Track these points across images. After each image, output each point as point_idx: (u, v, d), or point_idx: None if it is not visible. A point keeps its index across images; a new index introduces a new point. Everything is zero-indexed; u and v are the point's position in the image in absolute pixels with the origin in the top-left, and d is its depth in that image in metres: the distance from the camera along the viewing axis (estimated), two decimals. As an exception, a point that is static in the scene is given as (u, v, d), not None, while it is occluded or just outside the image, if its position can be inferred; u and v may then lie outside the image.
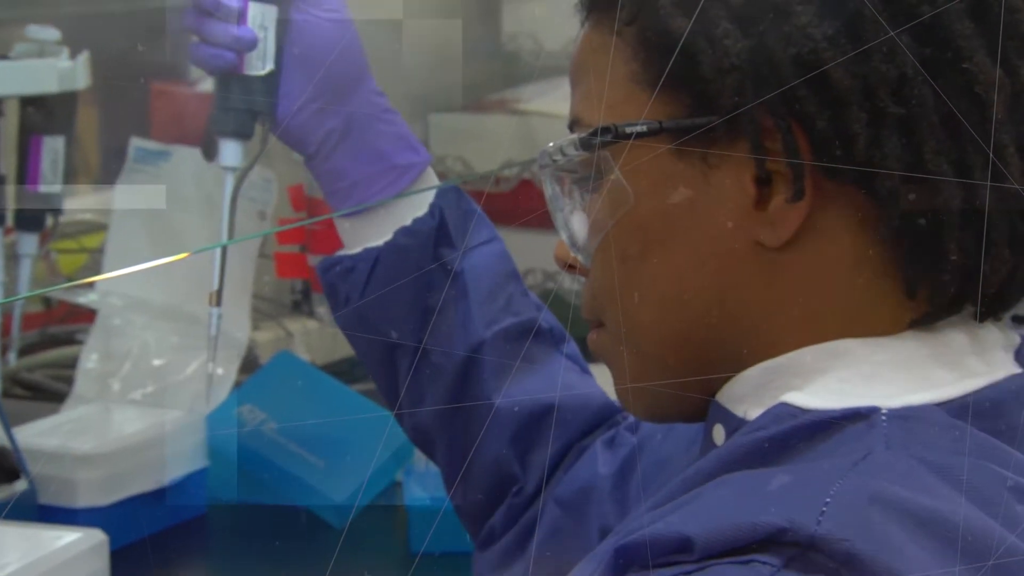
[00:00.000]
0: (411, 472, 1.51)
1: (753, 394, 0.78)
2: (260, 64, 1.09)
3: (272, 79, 1.09)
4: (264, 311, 1.84)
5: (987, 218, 0.74)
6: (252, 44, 1.08)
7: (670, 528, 0.69)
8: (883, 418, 0.73)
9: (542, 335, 1.10)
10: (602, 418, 1.09)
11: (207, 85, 1.96)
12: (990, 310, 0.78)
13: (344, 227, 1.12)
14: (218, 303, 1.11)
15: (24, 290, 1.42)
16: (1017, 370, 0.78)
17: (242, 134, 1.11)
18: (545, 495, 1.07)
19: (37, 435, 1.46)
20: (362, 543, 1.49)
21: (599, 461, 1.05)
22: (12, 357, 1.46)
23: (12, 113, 1.40)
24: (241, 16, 1.08)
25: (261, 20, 1.09)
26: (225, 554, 1.52)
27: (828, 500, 0.68)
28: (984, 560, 0.68)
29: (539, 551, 1.05)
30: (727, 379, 0.80)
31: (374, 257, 1.09)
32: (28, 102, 1.40)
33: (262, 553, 1.46)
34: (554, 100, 1.86)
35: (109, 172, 1.77)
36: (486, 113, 2.09)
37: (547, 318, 1.11)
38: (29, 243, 1.42)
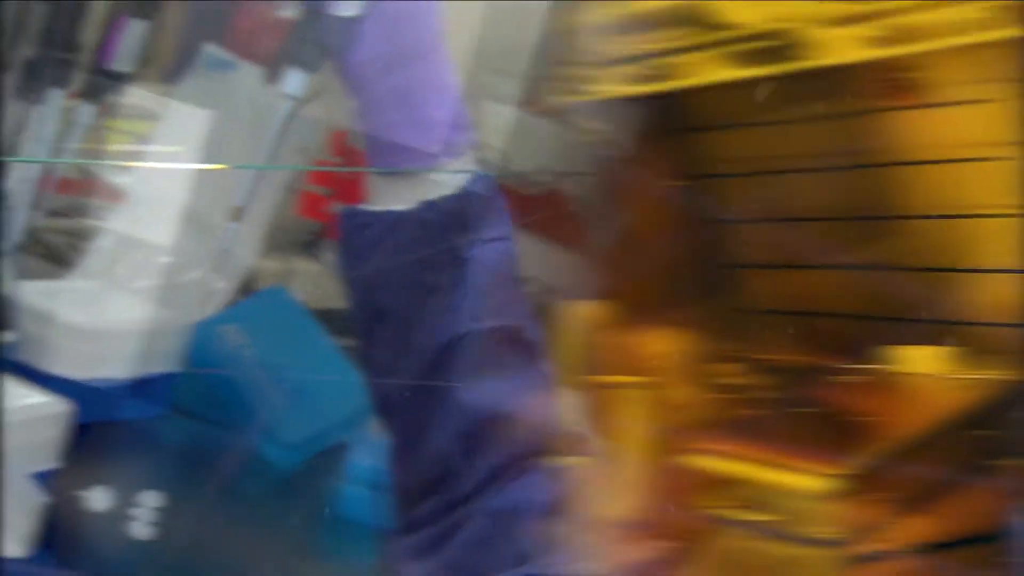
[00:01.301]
0: (361, 439, 1.51)
1: None
2: (348, 5, 1.10)
3: (354, 23, 1.09)
4: (275, 242, 1.86)
5: None
6: None
7: None
8: None
9: (524, 345, 1.11)
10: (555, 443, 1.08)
11: (289, 11, 1.98)
12: None
13: (375, 183, 1.12)
14: (239, 219, 1.14)
15: (72, 155, 1.45)
16: None
17: (311, 66, 1.12)
18: (477, 502, 1.07)
19: (36, 293, 1.47)
20: (295, 492, 1.50)
21: (538, 486, 1.06)
22: (40, 215, 1.48)
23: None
24: None
25: None
26: (165, 463, 1.51)
27: None
28: None
29: (456, 555, 1.06)
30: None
31: (393, 220, 1.10)
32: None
33: (201, 471, 1.47)
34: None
35: (178, 69, 1.78)
36: (540, 114, 2.09)
37: (534, 330, 1.11)
38: (88, 113, 1.44)
